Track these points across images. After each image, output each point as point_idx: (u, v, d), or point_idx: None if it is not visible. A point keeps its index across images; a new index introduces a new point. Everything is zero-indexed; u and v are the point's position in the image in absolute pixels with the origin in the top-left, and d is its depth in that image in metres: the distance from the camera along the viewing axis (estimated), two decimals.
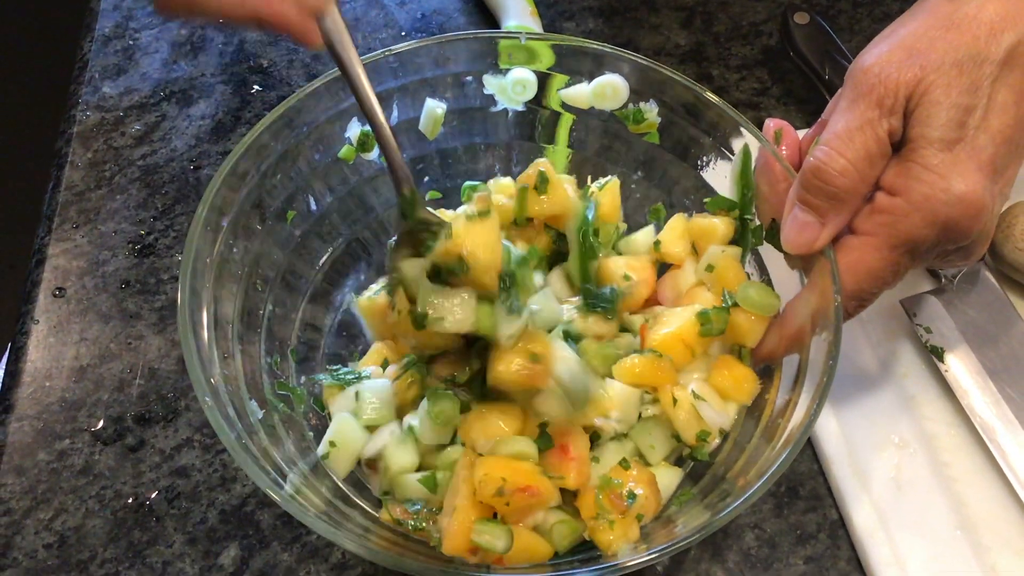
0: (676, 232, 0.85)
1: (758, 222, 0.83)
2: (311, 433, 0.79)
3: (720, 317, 0.77)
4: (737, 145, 0.84)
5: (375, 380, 0.80)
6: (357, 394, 0.79)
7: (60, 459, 0.84)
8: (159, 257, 0.98)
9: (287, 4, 0.65)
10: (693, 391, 0.76)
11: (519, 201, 0.83)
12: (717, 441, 0.77)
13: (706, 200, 0.86)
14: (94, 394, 0.88)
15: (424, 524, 0.72)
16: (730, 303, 0.78)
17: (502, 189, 0.87)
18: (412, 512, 0.73)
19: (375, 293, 0.86)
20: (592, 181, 0.88)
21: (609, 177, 0.87)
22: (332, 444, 0.77)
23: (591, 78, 0.88)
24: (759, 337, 0.79)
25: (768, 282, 0.83)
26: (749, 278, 0.83)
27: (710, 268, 0.82)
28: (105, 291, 0.95)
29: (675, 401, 0.75)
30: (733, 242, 0.84)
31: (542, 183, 0.83)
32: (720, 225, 0.83)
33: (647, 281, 0.84)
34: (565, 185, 0.85)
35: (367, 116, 0.72)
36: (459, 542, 0.69)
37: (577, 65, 0.87)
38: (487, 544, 0.68)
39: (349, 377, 0.81)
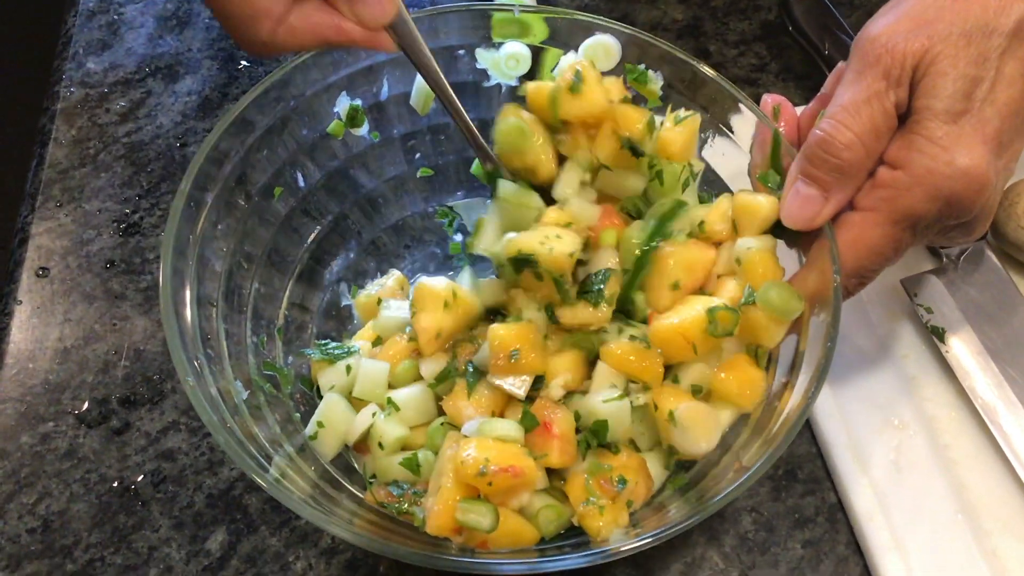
0: (721, 212, 0.78)
1: None
2: (298, 415, 0.77)
3: (728, 319, 0.71)
4: (736, 122, 0.82)
5: (373, 361, 0.78)
6: (348, 368, 0.78)
7: (44, 442, 0.83)
8: (144, 236, 0.96)
9: (350, 26, 0.68)
10: (673, 415, 0.71)
11: (551, 103, 0.76)
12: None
13: (758, 175, 0.80)
14: (78, 376, 0.86)
15: (407, 507, 0.71)
16: (749, 301, 0.73)
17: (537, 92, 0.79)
18: (396, 495, 0.72)
19: (373, 291, 0.86)
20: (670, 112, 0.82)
21: (689, 112, 0.80)
22: (320, 424, 0.75)
23: None
24: (778, 339, 0.74)
25: None
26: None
27: (739, 262, 0.76)
28: (89, 271, 0.93)
29: (655, 407, 0.73)
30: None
31: (576, 83, 0.75)
32: (764, 204, 0.76)
33: (694, 285, 0.77)
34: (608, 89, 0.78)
35: (449, 110, 0.76)
36: (443, 521, 0.67)
37: (572, 38, 0.85)
38: (472, 523, 0.66)
39: (338, 352, 0.80)
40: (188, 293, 0.69)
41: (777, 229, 0.77)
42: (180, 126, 1.05)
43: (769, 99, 0.82)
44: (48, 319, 0.90)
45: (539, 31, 0.85)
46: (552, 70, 0.86)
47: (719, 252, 0.78)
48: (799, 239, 0.77)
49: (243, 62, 1.11)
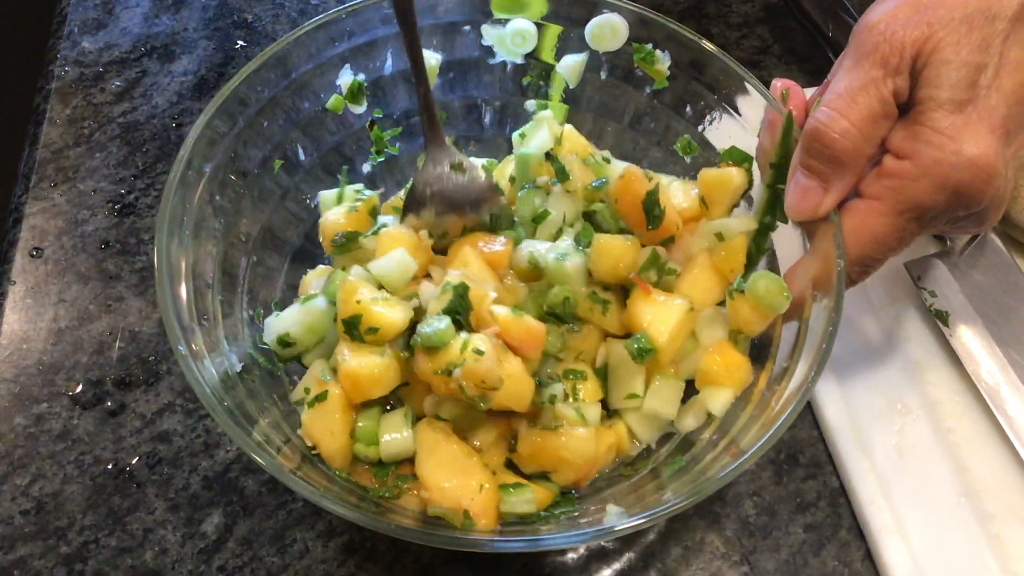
0: (681, 192, 0.81)
1: None
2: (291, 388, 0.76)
3: (643, 354, 0.73)
4: (742, 103, 0.81)
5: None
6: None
7: (37, 423, 0.81)
8: (139, 217, 0.95)
9: None
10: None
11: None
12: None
13: (721, 151, 0.83)
14: (72, 357, 0.85)
15: (390, 493, 0.70)
16: (739, 289, 0.74)
17: None
18: (378, 477, 0.71)
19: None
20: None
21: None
22: (307, 390, 0.74)
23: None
24: (760, 330, 0.75)
25: (771, 250, 0.79)
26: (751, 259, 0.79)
27: (720, 236, 0.78)
28: (84, 251, 0.92)
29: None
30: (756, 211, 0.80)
31: None
32: (735, 176, 0.79)
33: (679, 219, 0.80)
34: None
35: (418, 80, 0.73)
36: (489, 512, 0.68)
37: (574, 15, 0.84)
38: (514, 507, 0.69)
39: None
40: (184, 266, 0.68)
41: (784, 213, 0.76)
42: (176, 106, 1.03)
43: (779, 83, 0.81)
44: (42, 300, 0.89)
45: (538, 7, 0.84)
46: (553, 47, 0.86)
47: (695, 229, 0.80)
48: (804, 223, 0.76)
49: (240, 42, 1.09)
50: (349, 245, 0.78)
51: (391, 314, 0.70)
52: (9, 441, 0.80)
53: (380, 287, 0.73)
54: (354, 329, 0.70)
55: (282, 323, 0.75)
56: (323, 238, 0.80)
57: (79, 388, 0.84)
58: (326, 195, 0.83)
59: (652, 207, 0.76)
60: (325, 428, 0.70)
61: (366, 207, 0.81)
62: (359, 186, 0.84)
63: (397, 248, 0.74)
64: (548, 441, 0.71)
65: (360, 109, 0.85)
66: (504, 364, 0.68)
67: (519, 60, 0.87)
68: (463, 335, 0.67)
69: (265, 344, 0.75)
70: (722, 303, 0.78)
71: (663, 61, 0.84)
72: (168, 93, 1.04)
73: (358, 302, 0.70)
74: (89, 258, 0.92)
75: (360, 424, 0.71)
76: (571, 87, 0.88)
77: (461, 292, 0.69)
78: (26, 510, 0.77)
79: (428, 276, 0.77)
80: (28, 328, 0.87)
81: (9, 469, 0.79)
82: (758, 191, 0.80)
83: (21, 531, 0.76)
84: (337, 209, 0.81)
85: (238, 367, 0.71)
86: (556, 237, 0.79)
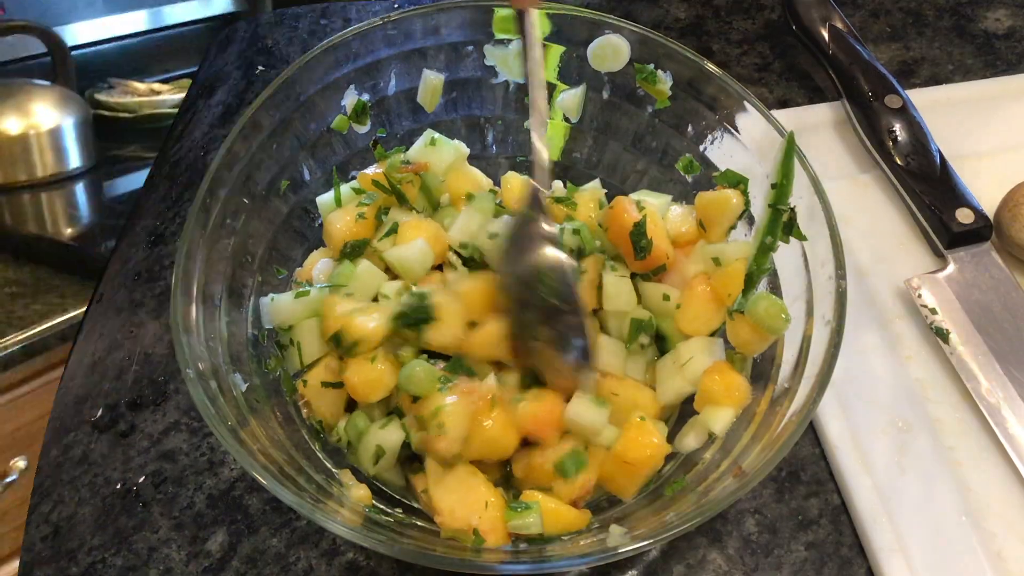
0: (680, 216, 0.82)
1: (789, 216, 0.77)
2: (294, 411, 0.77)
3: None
4: (742, 123, 0.81)
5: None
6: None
7: (65, 452, 0.84)
8: (166, 245, 0.98)
9: None
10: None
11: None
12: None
13: (715, 174, 0.83)
14: (98, 385, 0.87)
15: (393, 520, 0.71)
16: (738, 309, 0.75)
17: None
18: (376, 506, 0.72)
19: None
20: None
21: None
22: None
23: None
24: (760, 350, 0.75)
25: (772, 270, 0.80)
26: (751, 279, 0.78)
27: (717, 261, 0.78)
28: (124, 287, 0.95)
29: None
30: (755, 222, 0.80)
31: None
32: (732, 197, 0.78)
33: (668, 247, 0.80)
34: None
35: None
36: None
37: (575, 35, 0.85)
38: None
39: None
40: (195, 289, 0.70)
41: (785, 231, 0.77)
42: (207, 136, 1.06)
43: None
44: (88, 335, 0.92)
45: (541, 27, 0.85)
46: (555, 67, 0.87)
47: (693, 250, 0.80)
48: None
49: (260, 67, 1.11)
50: (360, 250, 0.80)
51: (369, 324, 0.73)
52: (43, 474, 0.83)
53: (374, 299, 0.77)
54: (340, 344, 0.73)
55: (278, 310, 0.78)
56: (328, 239, 0.82)
57: (99, 413, 0.86)
58: (324, 201, 0.84)
59: (639, 238, 0.77)
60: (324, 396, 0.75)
61: (372, 211, 0.81)
62: (355, 183, 0.85)
63: (417, 237, 0.77)
64: (536, 458, 0.72)
65: (364, 129, 0.86)
66: (485, 421, 0.70)
67: (521, 80, 0.88)
68: (443, 390, 0.69)
69: (268, 370, 0.76)
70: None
71: (665, 81, 0.84)
72: (203, 125, 1.07)
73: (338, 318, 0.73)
74: (126, 292, 0.94)
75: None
76: (572, 121, 0.89)
77: (420, 300, 0.72)
78: (45, 535, 0.79)
79: (441, 268, 0.80)
80: (73, 363, 0.90)
81: (39, 499, 0.81)
82: (759, 211, 0.81)
83: (40, 556, 0.78)
84: (342, 212, 0.82)
85: (243, 387, 0.72)
86: None
